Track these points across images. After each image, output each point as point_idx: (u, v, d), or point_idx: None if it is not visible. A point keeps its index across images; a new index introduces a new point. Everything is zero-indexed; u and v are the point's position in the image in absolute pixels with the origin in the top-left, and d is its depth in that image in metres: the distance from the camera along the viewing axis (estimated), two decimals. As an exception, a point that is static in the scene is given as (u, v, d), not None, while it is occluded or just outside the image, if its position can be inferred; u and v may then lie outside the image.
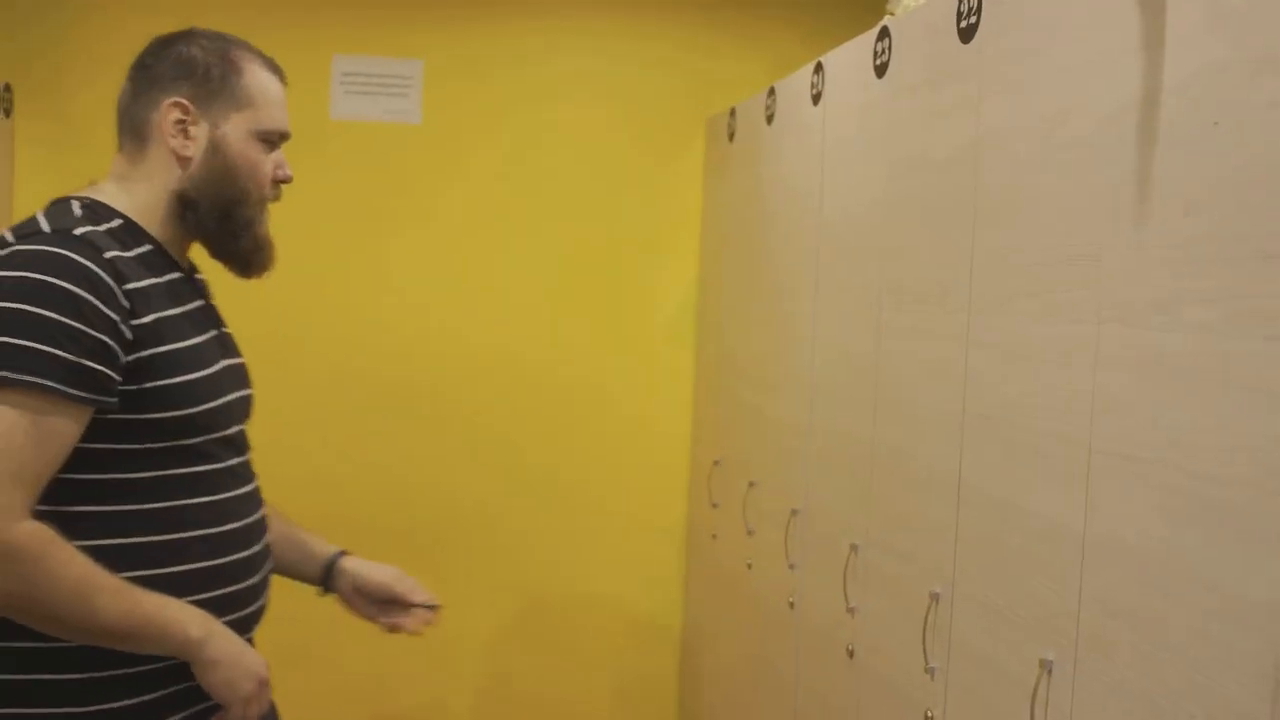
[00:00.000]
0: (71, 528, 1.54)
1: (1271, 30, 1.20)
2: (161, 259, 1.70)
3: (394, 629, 1.97)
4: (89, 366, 1.51)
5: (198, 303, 1.75)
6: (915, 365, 2.01)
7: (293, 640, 3.11)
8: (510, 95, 3.51)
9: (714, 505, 3.27)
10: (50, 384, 1.48)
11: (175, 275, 1.72)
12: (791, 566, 2.58)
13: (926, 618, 1.89)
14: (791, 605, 2.56)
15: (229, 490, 1.71)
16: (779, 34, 3.58)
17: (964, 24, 1.86)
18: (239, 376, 1.80)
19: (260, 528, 1.79)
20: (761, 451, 2.88)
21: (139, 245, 1.66)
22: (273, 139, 1.77)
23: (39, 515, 1.52)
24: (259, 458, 1.83)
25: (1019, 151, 1.70)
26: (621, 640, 3.65)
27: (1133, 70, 1.42)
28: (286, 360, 3.30)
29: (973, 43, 1.83)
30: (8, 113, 3.24)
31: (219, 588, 1.68)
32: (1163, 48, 1.36)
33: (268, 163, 1.77)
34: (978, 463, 1.77)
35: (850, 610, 2.22)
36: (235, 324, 1.81)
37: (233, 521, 1.71)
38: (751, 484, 2.90)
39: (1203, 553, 1.26)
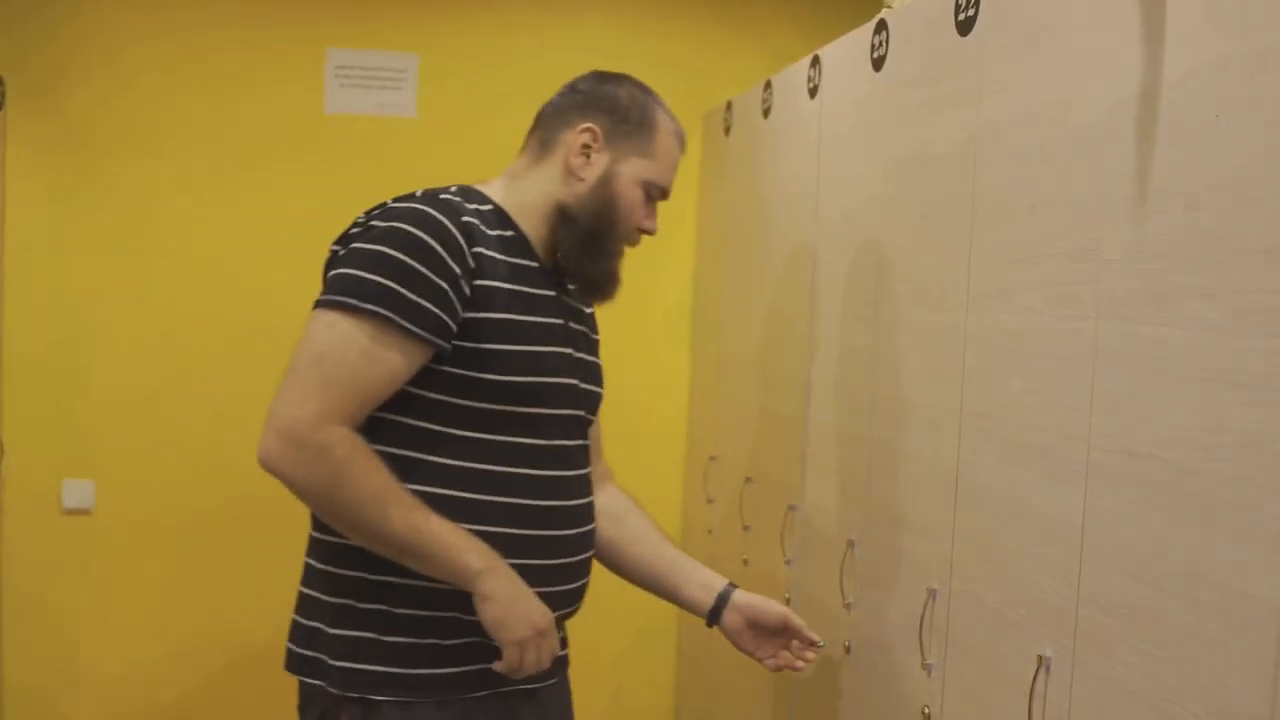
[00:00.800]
0: (399, 469, 1.69)
1: (1272, 25, 1.19)
2: (522, 246, 1.84)
3: (779, 668, 2.05)
4: (425, 306, 1.67)
5: (549, 292, 1.86)
6: (913, 361, 2.00)
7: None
8: (505, 89, 3.48)
9: (710, 501, 3.26)
10: (388, 314, 1.65)
11: (531, 263, 1.84)
12: (788, 562, 2.57)
13: (923, 614, 1.88)
14: (788, 601, 2.55)
15: (552, 468, 1.82)
16: (775, 27, 3.56)
17: (962, 17, 1.85)
18: (583, 369, 1.94)
19: (584, 513, 1.89)
20: (758, 447, 2.88)
21: (503, 229, 1.81)
22: (654, 193, 1.92)
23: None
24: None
25: (1018, 146, 1.69)
26: (617, 636, 3.64)
27: (1133, 64, 1.41)
28: (284, 350, 3.28)
29: (971, 36, 1.83)
30: (-1, 107, 3.23)
31: (520, 558, 1.75)
32: (1163, 42, 1.35)
33: (642, 210, 1.91)
34: (975, 459, 1.77)
35: (847, 606, 2.22)
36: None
37: (549, 498, 1.81)
38: (748, 480, 2.89)
39: (1202, 550, 1.25)
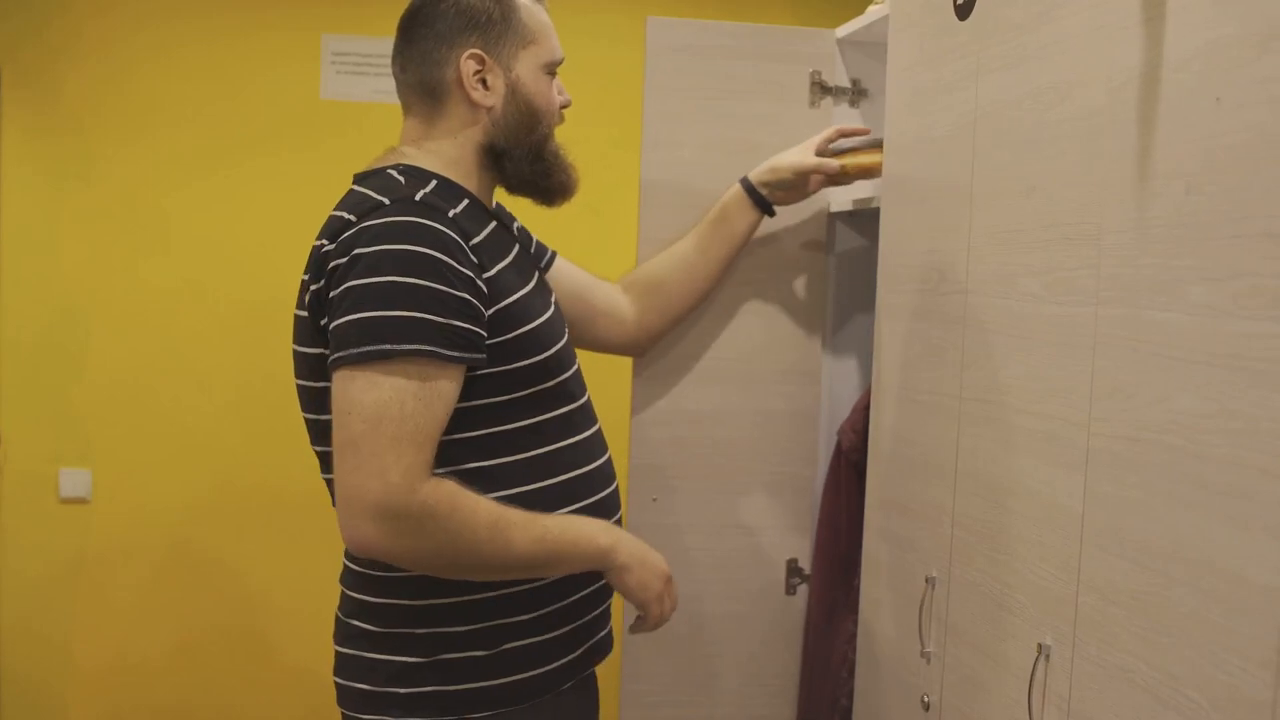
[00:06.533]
0: (467, 485, 1.63)
1: (1274, 7, 1.17)
2: (480, 211, 1.73)
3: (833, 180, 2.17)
4: (458, 326, 1.56)
5: (516, 249, 1.79)
6: (910, 346, 1.99)
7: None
8: (502, 76, 3.48)
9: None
10: (429, 348, 1.52)
11: (493, 225, 1.75)
12: (787, 550, 2.57)
13: (922, 602, 1.87)
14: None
15: (589, 428, 1.80)
16: (772, 14, 3.55)
17: (960, 0, 1.83)
18: (563, 319, 1.85)
19: (612, 466, 1.86)
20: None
21: (460, 201, 1.69)
22: (554, 70, 1.80)
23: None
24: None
25: (1016, 129, 1.67)
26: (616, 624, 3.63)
27: (1133, 46, 1.39)
28: (281, 339, 3.27)
29: (970, 19, 1.81)
30: (-6, 94, 3.21)
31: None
32: (1164, 22, 1.34)
33: (554, 92, 1.80)
34: (974, 445, 1.76)
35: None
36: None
37: (598, 459, 1.79)
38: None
39: (1204, 536, 1.24)
